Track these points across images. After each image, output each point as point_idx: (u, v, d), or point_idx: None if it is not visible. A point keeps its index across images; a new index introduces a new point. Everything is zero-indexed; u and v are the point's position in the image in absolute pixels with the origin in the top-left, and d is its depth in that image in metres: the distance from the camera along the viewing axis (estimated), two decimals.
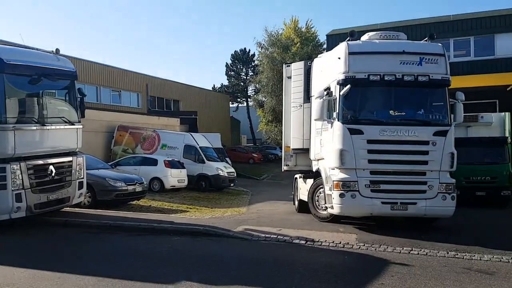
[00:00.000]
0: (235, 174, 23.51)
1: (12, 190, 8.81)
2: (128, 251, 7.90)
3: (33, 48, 10.39)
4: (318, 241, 8.31)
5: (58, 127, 9.97)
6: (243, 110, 58.72)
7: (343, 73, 9.07)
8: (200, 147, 22.38)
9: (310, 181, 11.39)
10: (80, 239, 8.86)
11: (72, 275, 6.16)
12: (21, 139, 9.03)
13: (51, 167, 9.70)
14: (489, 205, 13.78)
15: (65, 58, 10.65)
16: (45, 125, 9.57)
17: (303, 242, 8.36)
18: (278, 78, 41.36)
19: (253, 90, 55.74)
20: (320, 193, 10.24)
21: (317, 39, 45.49)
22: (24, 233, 9.11)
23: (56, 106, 10.38)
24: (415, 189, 8.94)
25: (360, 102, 9.37)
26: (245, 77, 59.43)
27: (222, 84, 62.99)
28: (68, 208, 10.81)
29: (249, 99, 57.70)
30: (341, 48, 9.34)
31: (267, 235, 8.77)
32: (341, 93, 9.00)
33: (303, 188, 12.09)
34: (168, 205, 15.09)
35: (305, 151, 11.72)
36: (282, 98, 43.44)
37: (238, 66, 59.73)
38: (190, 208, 15.05)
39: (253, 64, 57.22)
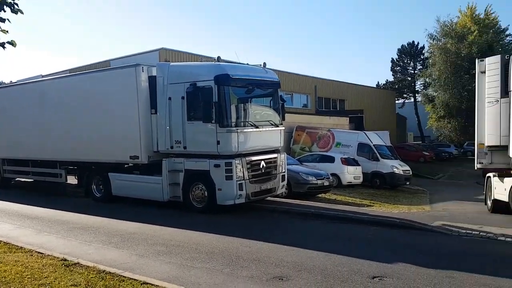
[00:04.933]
0: (411, 173, 23.13)
1: (236, 180, 10.86)
2: (337, 234, 9.09)
3: (245, 64, 12.47)
4: None
5: (267, 129, 11.82)
6: (409, 106, 56.28)
7: None
8: (374, 145, 22.71)
9: (508, 180, 10.90)
10: (292, 222, 10.43)
11: (301, 249, 7.49)
12: (241, 139, 11.05)
13: (263, 162, 11.56)
14: None
15: (271, 70, 12.48)
16: (258, 128, 11.48)
17: (509, 239, 8.25)
18: (452, 71, 38.75)
19: (421, 85, 53.08)
20: None
21: (497, 25, 41.05)
22: (246, 215, 11.11)
23: (264, 111, 12.32)
24: None
25: None
26: (412, 72, 56.91)
27: (387, 80, 61.55)
28: (269, 198, 12.62)
29: (417, 95, 55.04)
30: None
31: (467, 231, 8.89)
32: None
33: (499, 187, 11.59)
34: (351, 199, 16.00)
35: (503, 148, 11.24)
36: (456, 92, 40.65)
37: (405, 61, 57.53)
38: (374, 203, 15.70)
39: (422, 57, 54.47)
